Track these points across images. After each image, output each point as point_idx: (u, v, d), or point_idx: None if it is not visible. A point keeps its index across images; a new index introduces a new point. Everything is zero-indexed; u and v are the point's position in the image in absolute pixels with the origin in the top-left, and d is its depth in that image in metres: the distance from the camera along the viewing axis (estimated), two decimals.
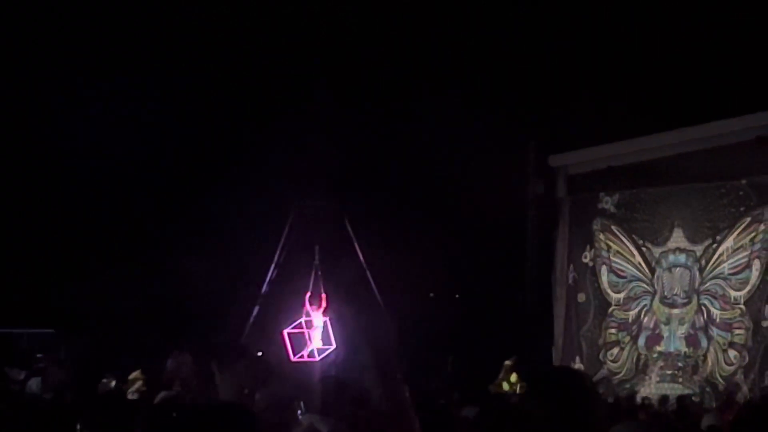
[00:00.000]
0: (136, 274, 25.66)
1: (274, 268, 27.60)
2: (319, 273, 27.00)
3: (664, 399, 18.71)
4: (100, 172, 24.97)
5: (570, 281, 23.97)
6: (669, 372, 21.94)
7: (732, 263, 21.34)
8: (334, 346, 25.80)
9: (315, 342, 26.13)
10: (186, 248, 25.16)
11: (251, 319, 27.08)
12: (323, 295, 26.57)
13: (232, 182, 26.08)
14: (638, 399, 19.91)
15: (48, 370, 19.35)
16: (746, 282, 21.06)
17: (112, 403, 6.73)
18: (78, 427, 6.08)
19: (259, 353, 24.89)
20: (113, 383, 16.43)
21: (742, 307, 21.06)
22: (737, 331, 21.08)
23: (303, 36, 26.47)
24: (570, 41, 23.54)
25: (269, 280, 27.49)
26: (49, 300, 25.64)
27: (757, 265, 20.91)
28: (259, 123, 26.61)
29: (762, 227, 20.87)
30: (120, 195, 26.01)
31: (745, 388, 20.62)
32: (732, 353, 21.08)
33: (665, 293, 22.38)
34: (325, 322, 26.35)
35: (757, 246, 20.94)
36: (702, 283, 21.77)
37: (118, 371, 17.62)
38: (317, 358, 25.75)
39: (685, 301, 22.01)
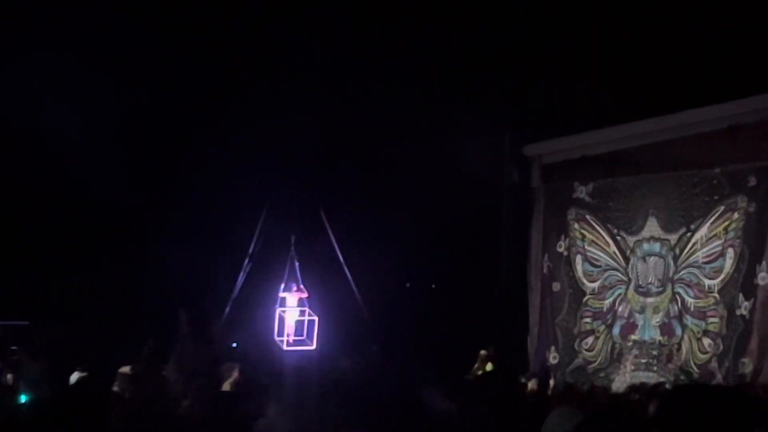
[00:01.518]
0: (111, 266, 25.58)
1: (250, 259, 27.59)
2: (295, 263, 27.03)
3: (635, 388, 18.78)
4: (72, 162, 24.83)
5: (545, 270, 24.01)
6: (644, 360, 22.01)
7: (706, 252, 21.41)
8: (313, 345, 25.83)
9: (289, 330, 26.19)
10: (160, 239, 25.08)
11: (227, 310, 27.06)
12: (299, 286, 26.61)
13: (206, 173, 25.99)
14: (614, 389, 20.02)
15: (22, 363, 19.28)
16: (720, 270, 21.13)
17: (84, 395, 6.69)
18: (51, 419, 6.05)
19: (234, 344, 24.96)
20: (84, 375, 16.35)
21: (716, 295, 21.13)
22: (711, 320, 21.16)
23: (275, 26, 26.39)
24: (544, 31, 23.54)
25: (244, 270, 27.48)
26: (24, 292, 25.51)
27: (730, 253, 20.98)
28: (232, 113, 26.51)
29: (735, 216, 20.94)
30: (93, 186, 25.86)
31: (719, 376, 20.71)
32: (706, 341, 21.16)
33: (640, 282, 22.45)
34: (300, 312, 26.38)
35: (731, 235, 21.01)
36: (676, 272, 21.84)
37: (90, 364, 17.53)
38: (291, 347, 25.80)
39: (660, 289, 22.08)
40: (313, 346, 25.79)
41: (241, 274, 27.41)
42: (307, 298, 26.48)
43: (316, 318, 26.06)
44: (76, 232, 26.25)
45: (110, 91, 25.04)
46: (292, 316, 26.37)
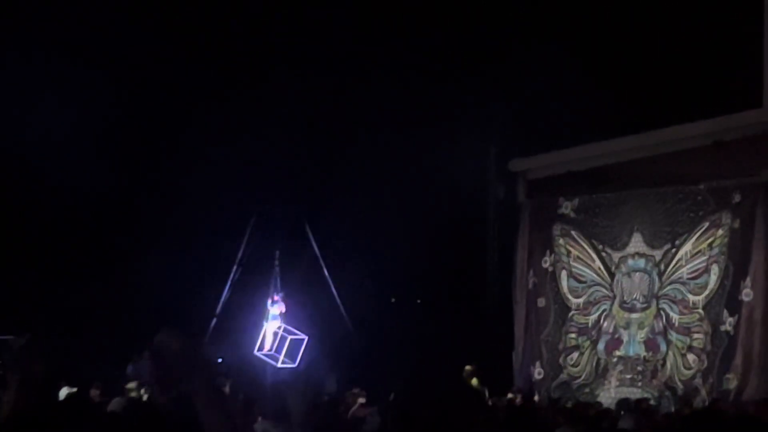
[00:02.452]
0: (97, 279, 25.50)
1: (235, 273, 27.55)
2: (279, 277, 27.00)
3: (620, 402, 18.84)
4: (57, 173, 24.77)
5: (530, 286, 24.01)
6: (628, 376, 22.04)
7: (691, 268, 21.46)
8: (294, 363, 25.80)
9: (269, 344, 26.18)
10: (146, 253, 25.02)
11: (212, 324, 27.01)
12: (282, 299, 26.59)
13: (193, 186, 25.95)
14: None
15: (6, 377, 19.19)
16: (705, 286, 21.18)
17: (69, 410, 6.66)
18: None
19: (219, 360, 24.89)
20: (70, 391, 16.30)
21: (701, 311, 21.18)
22: (696, 336, 21.21)
23: (261, 38, 26.42)
24: (530, 47, 23.61)
25: (230, 284, 27.44)
26: (9, 306, 25.40)
27: (715, 269, 21.04)
28: (218, 126, 26.51)
29: (720, 232, 21.00)
30: (79, 199, 25.81)
31: (703, 392, 20.74)
32: (691, 357, 21.20)
33: (625, 298, 22.48)
34: (284, 328, 26.34)
35: (716, 251, 21.07)
36: (661, 288, 21.88)
37: (76, 379, 17.48)
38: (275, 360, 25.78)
39: (645, 305, 22.11)
40: (294, 364, 25.79)
41: (227, 287, 27.37)
42: (283, 313, 26.45)
43: (305, 338, 26.05)
44: (62, 246, 26.17)
45: (98, 105, 25.02)
46: (271, 327, 26.36)
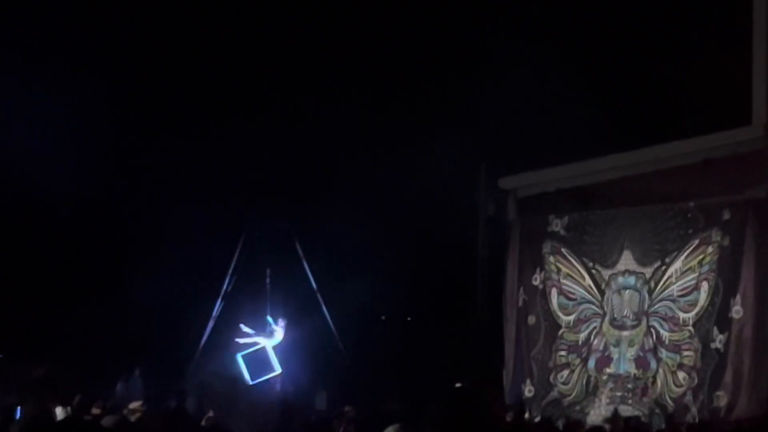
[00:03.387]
0: (86, 298, 25.46)
1: (226, 290, 27.52)
2: (270, 295, 26.99)
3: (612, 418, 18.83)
4: (48, 192, 24.76)
5: (520, 303, 24.00)
6: (619, 394, 22.02)
7: (681, 285, 21.47)
8: (278, 371, 25.77)
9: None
10: (136, 271, 24.99)
11: (202, 342, 26.97)
12: (284, 327, 26.57)
13: (183, 203, 25.94)
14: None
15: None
16: (695, 304, 21.19)
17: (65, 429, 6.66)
18: None
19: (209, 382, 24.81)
20: (63, 410, 16.27)
21: (691, 328, 21.18)
22: (686, 353, 21.20)
23: (252, 56, 26.45)
24: (520, 65, 23.67)
25: (221, 301, 27.41)
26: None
27: (705, 287, 21.05)
28: (209, 142, 26.52)
29: (710, 249, 21.03)
30: (71, 219, 25.80)
31: (694, 410, 20.73)
32: (681, 375, 21.19)
33: (615, 315, 22.48)
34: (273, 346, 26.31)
35: (706, 268, 21.09)
36: (651, 305, 21.88)
37: (67, 398, 17.43)
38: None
39: (635, 323, 22.12)
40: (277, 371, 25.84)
41: (217, 305, 27.34)
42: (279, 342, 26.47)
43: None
44: (53, 264, 26.14)
45: (87, 124, 25.03)
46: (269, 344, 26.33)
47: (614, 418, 20.32)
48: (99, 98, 24.95)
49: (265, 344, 26.08)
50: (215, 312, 27.34)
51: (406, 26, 25.60)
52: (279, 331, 26.30)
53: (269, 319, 26.45)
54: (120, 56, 25.38)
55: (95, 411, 17.20)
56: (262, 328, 26.34)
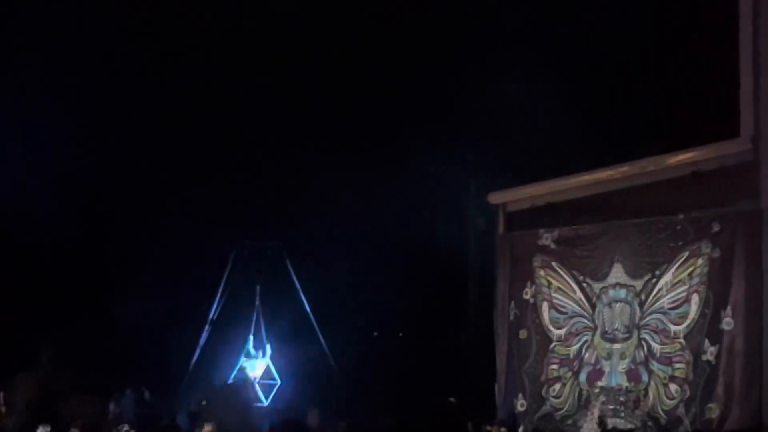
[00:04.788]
0: (78, 317, 25.43)
1: (216, 309, 27.50)
2: (261, 313, 26.98)
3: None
4: (35, 213, 24.74)
5: (511, 318, 24.01)
6: (611, 407, 22.02)
7: (671, 298, 21.50)
8: (279, 382, 25.82)
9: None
10: (126, 290, 24.97)
11: (193, 362, 26.94)
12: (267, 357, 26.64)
13: (173, 224, 25.95)
14: None
15: None
16: (685, 316, 21.21)
17: None
18: None
19: (203, 402, 24.81)
20: (43, 428, 16.34)
21: (682, 341, 21.20)
22: (678, 365, 21.22)
23: (241, 72, 26.51)
24: (509, 81, 23.76)
25: (211, 320, 27.39)
26: None
27: (695, 299, 21.08)
28: (199, 162, 26.54)
29: (700, 261, 21.06)
30: (62, 240, 25.76)
31: (686, 422, 20.75)
32: (673, 387, 21.21)
33: (606, 328, 22.50)
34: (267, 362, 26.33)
35: (696, 280, 21.11)
36: (642, 318, 21.91)
37: (57, 417, 17.46)
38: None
39: (626, 335, 22.14)
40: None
41: (207, 324, 27.33)
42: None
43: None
44: (43, 283, 26.10)
45: (73, 144, 25.02)
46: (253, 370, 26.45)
47: (601, 422, 20.40)
48: (87, 115, 24.96)
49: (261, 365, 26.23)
50: (205, 331, 27.32)
51: (396, 42, 25.68)
52: (262, 362, 26.47)
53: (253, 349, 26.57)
54: (104, 74, 25.40)
55: (73, 431, 17.23)
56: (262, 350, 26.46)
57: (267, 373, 26.47)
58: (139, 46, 25.66)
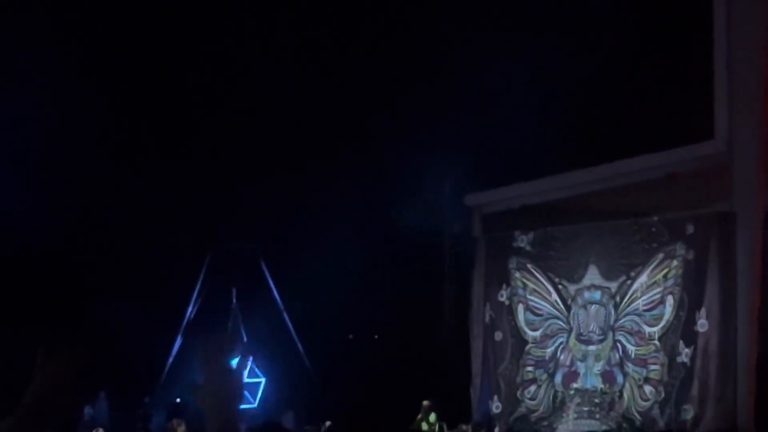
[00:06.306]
0: (52, 320, 25.28)
1: (192, 311, 27.42)
2: (237, 315, 26.91)
3: None
4: (7, 219, 24.60)
5: (487, 320, 24.02)
6: (586, 408, 22.07)
7: (646, 299, 21.55)
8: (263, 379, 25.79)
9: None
10: (100, 294, 24.86)
11: (168, 365, 26.85)
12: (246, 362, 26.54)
13: (147, 227, 25.85)
14: None
15: None
16: (660, 318, 21.28)
17: None
18: None
19: (177, 400, 24.74)
20: None
21: (657, 342, 21.27)
22: (652, 367, 21.28)
23: (218, 74, 26.45)
24: (483, 83, 23.77)
25: (187, 322, 27.31)
26: None
27: (670, 301, 21.15)
28: (174, 163, 26.45)
29: (674, 263, 21.13)
30: (37, 245, 25.62)
31: (661, 423, 20.80)
32: (648, 389, 21.26)
33: (581, 330, 22.54)
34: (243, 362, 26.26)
35: (670, 282, 21.18)
36: (617, 320, 21.96)
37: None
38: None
39: (601, 337, 22.19)
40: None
41: (183, 326, 27.24)
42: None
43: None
44: (17, 290, 25.95)
45: (47, 151, 24.92)
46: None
47: None
48: (63, 121, 24.84)
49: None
50: (180, 333, 27.24)
51: (374, 43, 25.68)
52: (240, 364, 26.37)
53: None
54: (86, 80, 25.29)
55: None
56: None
57: (250, 371, 26.39)
58: (120, 53, 25.58)
